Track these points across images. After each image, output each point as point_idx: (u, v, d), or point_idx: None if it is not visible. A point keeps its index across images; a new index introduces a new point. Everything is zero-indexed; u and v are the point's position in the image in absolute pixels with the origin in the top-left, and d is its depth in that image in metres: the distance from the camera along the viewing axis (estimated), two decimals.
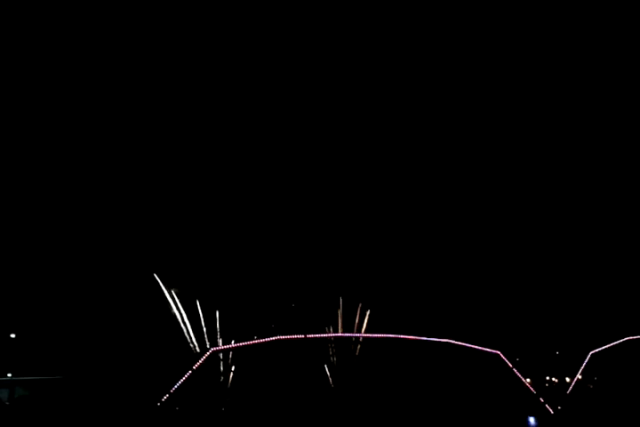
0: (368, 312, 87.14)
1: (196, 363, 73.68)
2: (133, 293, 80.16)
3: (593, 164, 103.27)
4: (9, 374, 72.46)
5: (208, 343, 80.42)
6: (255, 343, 79.18)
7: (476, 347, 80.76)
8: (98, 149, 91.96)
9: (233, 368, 79.44)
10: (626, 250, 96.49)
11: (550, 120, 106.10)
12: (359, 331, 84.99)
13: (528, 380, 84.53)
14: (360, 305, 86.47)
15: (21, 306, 77.07)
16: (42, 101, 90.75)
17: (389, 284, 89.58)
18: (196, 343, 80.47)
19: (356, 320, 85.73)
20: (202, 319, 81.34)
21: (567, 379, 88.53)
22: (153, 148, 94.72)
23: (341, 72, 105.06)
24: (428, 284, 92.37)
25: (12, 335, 74.91)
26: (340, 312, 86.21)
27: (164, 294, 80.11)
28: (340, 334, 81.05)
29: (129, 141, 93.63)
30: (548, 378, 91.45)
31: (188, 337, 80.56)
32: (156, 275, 79.75)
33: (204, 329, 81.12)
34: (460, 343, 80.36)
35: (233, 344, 79.16)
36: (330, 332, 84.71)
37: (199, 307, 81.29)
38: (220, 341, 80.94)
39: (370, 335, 79.55)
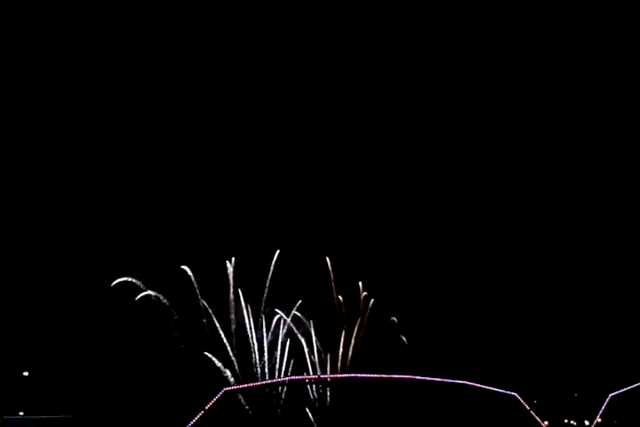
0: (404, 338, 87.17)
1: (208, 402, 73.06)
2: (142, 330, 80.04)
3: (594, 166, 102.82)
4: (20, 413, 72.01)
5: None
6: (268, 383, 78.49)
7: (493, 389, 79.67)
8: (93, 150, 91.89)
9: None
10: None
11: (550, 120, 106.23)
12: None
13: (546, 423, 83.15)
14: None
15: (34, 344, 76.91)
16: (40, 101, 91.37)
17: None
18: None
19: None
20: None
21: (586, 422, 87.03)
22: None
23: (343, 70, 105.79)
24: (446, 324, 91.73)
25: (25, 373, 74.62)
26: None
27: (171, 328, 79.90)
28: (354, 375, 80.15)
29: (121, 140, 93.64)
30: (566, 421, 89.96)
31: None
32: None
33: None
34: (476, 385, 79.29)
35: (245, 384, 78.37)
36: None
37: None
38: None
39: (385, 376, 78.63)
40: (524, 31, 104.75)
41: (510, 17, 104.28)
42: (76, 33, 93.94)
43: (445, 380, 78.48)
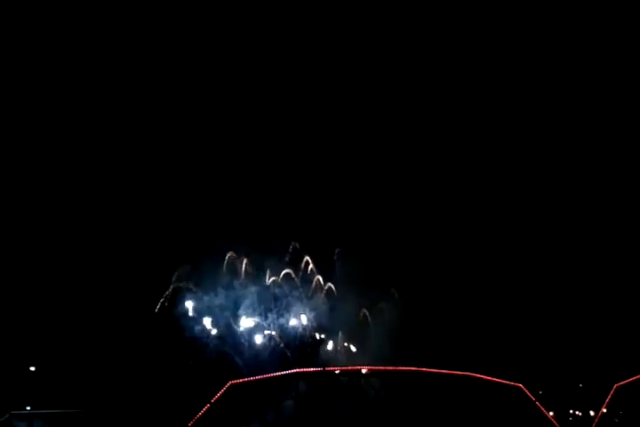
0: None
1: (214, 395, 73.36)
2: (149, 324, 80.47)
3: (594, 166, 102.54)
4: (28, 408, 72.34)
5: None
6: (275, 376, 78.65)
7: (498, 380, 79.79)
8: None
9: None
10: None
11: (550, 120, 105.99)
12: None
13: (551, 413, 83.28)
14: None
15: (41, 339, 77.23)
16: (39, 101, 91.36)
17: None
18: None
19: None
20: None
21: (592, 413, 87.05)
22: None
23: (343, 70, 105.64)
24: (450, 315, 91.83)
25: (32, 368, 75.00)
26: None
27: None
28: (358, 367, 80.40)
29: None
30: (571, 412, 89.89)
31: None
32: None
33: None
34: (481, 377, 79.44)
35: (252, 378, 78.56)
36: None
37: None
38: None
39: (389, 368, 78.95)
40: (525, 31, 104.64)
41: (510, 17, 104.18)
42: (75, 33, 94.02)
43: (450, 371, 78.73)
